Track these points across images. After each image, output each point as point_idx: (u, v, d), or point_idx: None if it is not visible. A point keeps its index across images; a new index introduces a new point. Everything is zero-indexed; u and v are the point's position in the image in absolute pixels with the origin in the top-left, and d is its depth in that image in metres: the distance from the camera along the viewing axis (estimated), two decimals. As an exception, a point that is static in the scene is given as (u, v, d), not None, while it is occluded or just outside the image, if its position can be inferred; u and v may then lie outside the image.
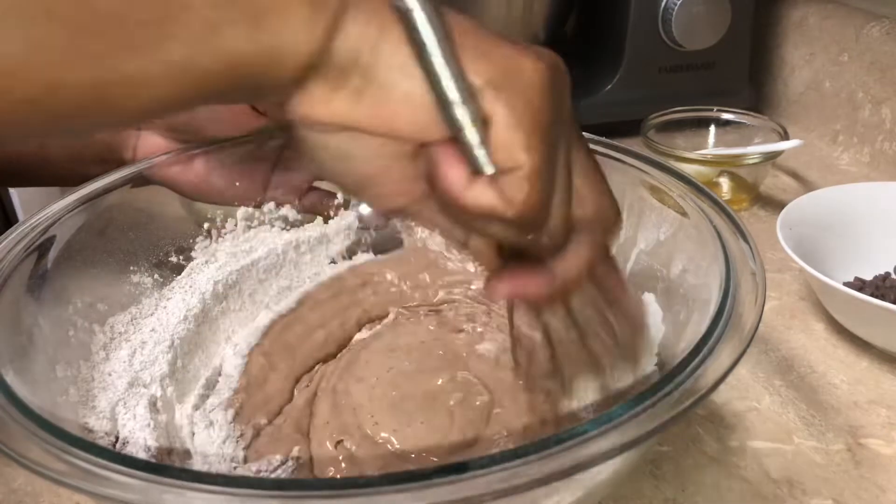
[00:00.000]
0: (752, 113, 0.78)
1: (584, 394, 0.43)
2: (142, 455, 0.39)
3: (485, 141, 0.26)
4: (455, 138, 0.26)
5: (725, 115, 0.79)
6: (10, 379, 0.33)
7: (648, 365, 0.42)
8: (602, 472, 0.33)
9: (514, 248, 0.31)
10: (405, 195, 0.29)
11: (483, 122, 0.26)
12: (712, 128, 0.79)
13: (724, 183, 0.74)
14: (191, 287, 0.50)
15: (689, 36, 0.80)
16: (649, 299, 0.46)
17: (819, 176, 0.79)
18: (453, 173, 0.27)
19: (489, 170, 0.26)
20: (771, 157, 0.71)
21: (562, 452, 0.27)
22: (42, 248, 0.42)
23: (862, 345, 0.54)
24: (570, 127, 0.29)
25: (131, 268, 0.49)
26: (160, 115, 0.26)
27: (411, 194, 0.29)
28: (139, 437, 0.41)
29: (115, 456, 0.27)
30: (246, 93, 0.26)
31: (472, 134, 0.26)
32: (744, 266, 0.38)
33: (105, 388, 0.42)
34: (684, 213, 0.44)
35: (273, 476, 0.39)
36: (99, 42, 0.23)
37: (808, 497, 0.42)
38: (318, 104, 0.26)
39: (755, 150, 0.72)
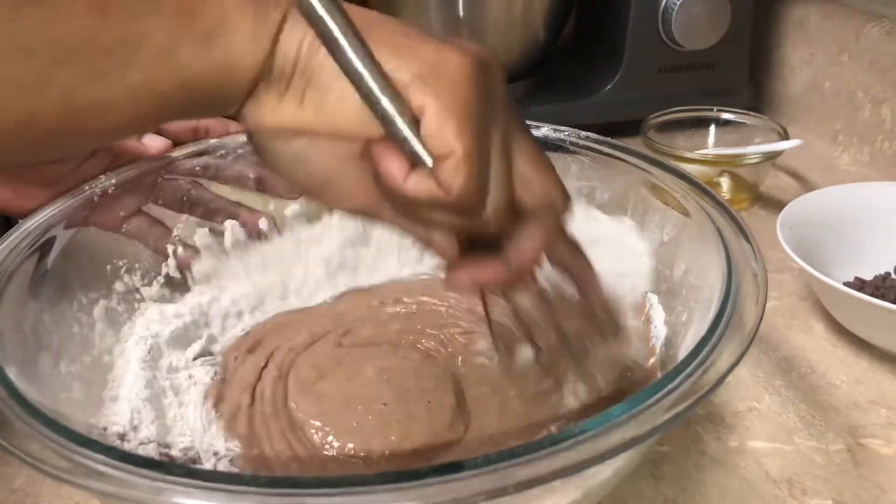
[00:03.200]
0: (752, 113, 0.78)
1: (572, 379, 0.43)
2: (148, 451, 0.39)
3: (417, 133, 0.28)
4: (389, 132, 0.28)
5: (725, 115, 0.79)
6: (14, 376, 0.33)
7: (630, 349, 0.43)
8: (602, 472, 0.33)
9: (472, 241, 0.32)
10: (362, 196, 0.31)
11: (413, 116, 0.28)
12: (712, 128, 0.79)
13: (725, 183, 0.74)
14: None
15: (689, 36, 0.80)
16: (652, 300, 0.47)
17: (819, 176, 0.79)
18: (392, 166, 0.28)
19: (426, 160, 0.28)
20: (771, 157, 0.71)
21: (560, 453, 0.27)
22: (44, 248, 0.42)
23: (862, 345, 0.54)
24: (506, 115, 0.30)
25: (136, 264, 0.49)
26: (126, 135, 0.29)
27: (368, 195, 0.31)
28: (143, 432, 0.41)
29: (118, 453, 0.28)
30: (204, 107, 0.28)
31: (402, 126, 0.27)
32: (745, 266, 0.38)
33: (109, 384, 0.43)
34: (686, 213, 0.44)
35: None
36: (69, 72, 0.25)
37: (808, 497, 0.43)
38: (267, 111, 0.28)
39: (755, 150, 0.72)
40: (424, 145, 0.28)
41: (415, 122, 0.28)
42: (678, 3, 0.78)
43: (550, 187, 0.32)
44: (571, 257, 0.37)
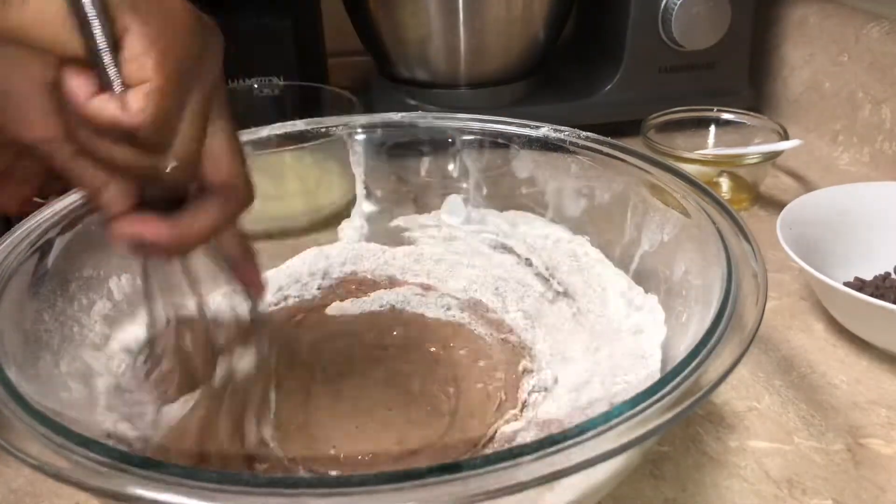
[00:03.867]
0: (752, 113, 0.78)
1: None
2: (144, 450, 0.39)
3: (115, 56, 0.27)
4: (87, 47, 0.27)
5: (725, 115, 0.79)
6: (14, 376, 0.33)
7: None
8: (602, 472, 0.33)
9: (147, 203, 0.32)
10: (42, 128, 0.29)
11: (115, 38, 0.27)
12: (712, 128, 0.79)
13: (724, 183, 0.74)
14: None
15: (689, 36, 0.80)
16: (652, 302, 0.47)
17: (819, 176, 0.79)
18: (78, 82, 0.27)
19: (117, 87, 0.27)
20: (771, 157, 0.71)
21: (559, 453, 0.27)
22: (44, 248, 0.42)
23: (862, 345, 0.54)
24: (212, 89, 0.31)
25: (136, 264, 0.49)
26: None
27: (49, 128, 0.29)
28: (141, 431, 0.41)
29: (118, 453, 0.28)
30: None
31: (102, 42, 0.27)
32: (745, 266, 0.38)
33: (109, 383, 0.43)
34: (687, 214, 0.45)
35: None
36: None
37: (808, 497, 0.43)
38: None
39: (755, 150, 0.72)
40: (120, 69, 0.27)
41: (115, 45, 0.27)
42: (678, 3, 0.78)
43: (238, 174, 0.32)
44: (239, 246, 0.37)
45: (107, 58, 0.27)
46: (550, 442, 0.28)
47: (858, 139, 0.82)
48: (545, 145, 0.53)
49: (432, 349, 0.49)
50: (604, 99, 0.84)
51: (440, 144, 0.57)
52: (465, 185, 0.58)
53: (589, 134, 0.52)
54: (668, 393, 0.30)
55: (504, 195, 0.57)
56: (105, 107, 0.28)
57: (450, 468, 0.26)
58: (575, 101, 0.85)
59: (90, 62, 0.27)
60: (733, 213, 0.42)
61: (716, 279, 0.38)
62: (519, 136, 0.54)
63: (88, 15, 0.26)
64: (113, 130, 0.28)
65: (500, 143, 0.55)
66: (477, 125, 0.56)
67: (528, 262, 0.55)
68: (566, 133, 0.53)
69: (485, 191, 0.58)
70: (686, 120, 0.79)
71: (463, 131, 0.56)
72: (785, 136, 0.73)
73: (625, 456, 0.29)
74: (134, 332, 0.47)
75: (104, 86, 0.27)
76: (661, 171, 0.48)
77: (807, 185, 0.77)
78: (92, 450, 0.28)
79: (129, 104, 0.27)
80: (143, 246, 0.32)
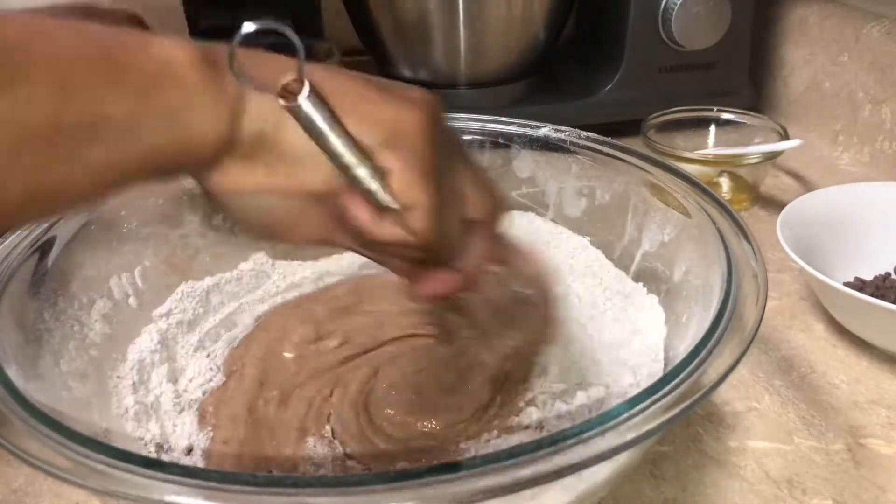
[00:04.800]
0: (752, 113, 0.78)
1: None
2: (147, 450, 0.39)
3: (384, 187, 0.30)
4: (358, 190, 0.30)
5: (725, 115, 0.79)
6: (14, 375, 0.33)
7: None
8: (602, 472, 0.33)
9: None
10: (322, 229, 0.33)
11: (381, 174, 0.30)
12: (712, 128, 0.79)
13: (725, 183, 0.74)
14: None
15: (689, 36, 0.80)
16: (652, 302, 0.47)
17: (819, 176, 0.79)
18: (363, 215, 0.31)
19: (396, 207, 0.31)
20: (771, 157, 0.71)
21: (559, 453, 0.27)
22: (44, 247, 0.42)
23: (862, 345, 0.54)
24: (452, 148, 0.34)
25: (137, 268, 0.49)
26: (87, 205, 0.33)
27: (328, 227, 0.33)
28: (141, 431, 0.41)
29: (118, 453, 0.28)
30: (165, 178, 0.29)
31: (372, 185, 0.30)
32: (746, 267, 0.38)
33: (109, 383, 0.43)
34: (687, 214, 0.45)
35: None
36: (31, 158, 0.25)
37: (808, 497, 0.43)
38: (234, 178, 0.30)
39: (755, 150, 0.72)
40: (393, 197, 0.30)
41: (383, 180, 0.30)
42: (678, 3, 0.78)
43: (492, 200, 0.35)
44: (507, 253, 0.40)
45: (384, 197, 0.30)
46: (550, 442, 0.28)
47: (858, 139, 0.82)
48: (546, 145, 0.53)
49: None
50: (604, 99, 0.84)
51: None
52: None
53: (589, 134, 0.52)
54: (668, 393, 0.30)
55: (504, 195, 0.57)
56: (390, 232, 0.31)
57: (449, 468, 0.26)
58: (575, 101, 0.85)
59: (362, 195, 0.31)
60: (734, 213, 0.42)
61: (716, 279, 0.38)
62: (519, 136, 0.54)
63: (360, 176, 0.30)
64: (401, 246, 0.32)
65: (501, 143, 0.55)
66: (477, 125, 0.56)
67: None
68: (567, 133, 0.53)
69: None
70: (686, 120, 0.79)
71: (463, 131, 0.56)
72: (785, 136, 0.73)
73: (625, 456, 0.29)
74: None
75: (378, 207, 0.31)
76: (662, 171, 0.48)
77: (807, 185, 0.77)
78: (92, 449, 0.28)
79: (413, 228, 0.31)
80: (442, 296, 0.37)
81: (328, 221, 0.33)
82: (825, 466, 0.45)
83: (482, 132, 0.56)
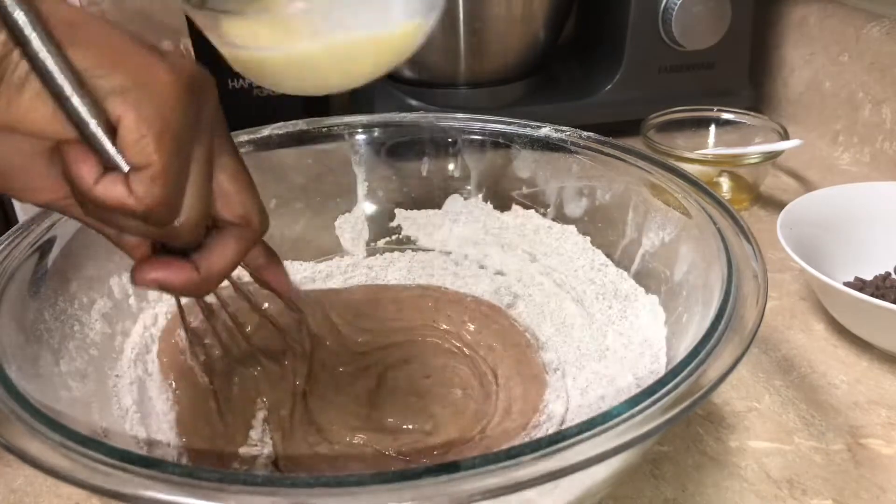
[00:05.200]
0: (752, 113, 0.78)
1: None
2: (142, 450, 0.39)
3: (113, 140, 0.28)
4: (83, 135, 0.27)
5: (725, 115, 0.79)
6: (14, 375, 0.33)
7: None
8: (601, 472, 0.33)
9: (164, 244, 0.33)
10: (50, 191, 0.30)
11: (109, 123, 0.27)
12: (712, 128, 0.79)
13: (725, 183, 0.74)
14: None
15: (689, 36, 0.80)
16: (652, 302, 0.47)
17: (819, 176, 0.79)
18: (83, 168, 0.28)
19: (122, 164, 0.28)
20: (771, 157, 0.71)
21: (558, 453, 0.27)
22: (44, 247, 0.42)
23: (862, 345, 0.54)
24: (212, 133, 0.31)
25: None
26: None
27: (56, 190, 0.30)
28: (137, 430, 0.41)
29: (118, 453, 0.28)
30: None
31: (96, 130, 0.27)
32: (746, 266, 0.38)
33: (109, 383, 0.43)
34: (687, 214, 0.45)
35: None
36: None
37: (808, 497, 0.43)
38: None
39: (755, 150, 0.72)
40: (121, 152, 0.28)
41: (111, 130, 0.28)
42: (678, 3, 0.78)
43: (249, 205, 0.33)
44: (262, 256, 0.38)
45: (108, 148, 0.28)
46: (549, 442, 0.28)
47: (858, 139, 0.82)
48: (546, 145, 0.53)
49: (451, 345, 0.50)
50: (604, 99, 0.84)
51: (441, 144, 0.57)
52: (466, 186, 0.58)
53: (590, 134, 0.52)
54: (668, 393, 0.30)
55: (505, 195, 0.57)
56: (111, 192, 0.28)
57: (448, 468, 0.26)
58: (575, 101, 0.85)
59: (91, 146, 0.28)
60: (734, 213, 0.42)
61: (716, 279, 0.38)
62: (520, 136, 0.54)
63: (81, 115, 0.27)
64: (121, 211, 0.29)
65: (502, 143, 0.55)
66: (478, 125, 0.56)
67: (533, 259, 0.55)
68: (567, 133, 0.53)
69: (485, 191, 0.58)
70: (686, 120, 0.79)
71: (464, 131, 0.56)
72: (785, 136, 0.73)
73: (625, 456, 0.29)
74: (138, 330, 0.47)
75: (108, 165, 0.28)
76: (662, 171, 0.48)
77: (807, 185, 0.77)
78: (92, 449, 0.28)
79: (136, 191, 0.28)
80: (169, 288, 0.33)
81: (53, 181, 0.30)
82: (825, 466, 0.45)
83: (482, 132, 0.56)
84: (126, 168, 0.28)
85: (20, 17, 0.26)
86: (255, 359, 0.45)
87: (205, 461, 0.40)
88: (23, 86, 0.27)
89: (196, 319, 0.46)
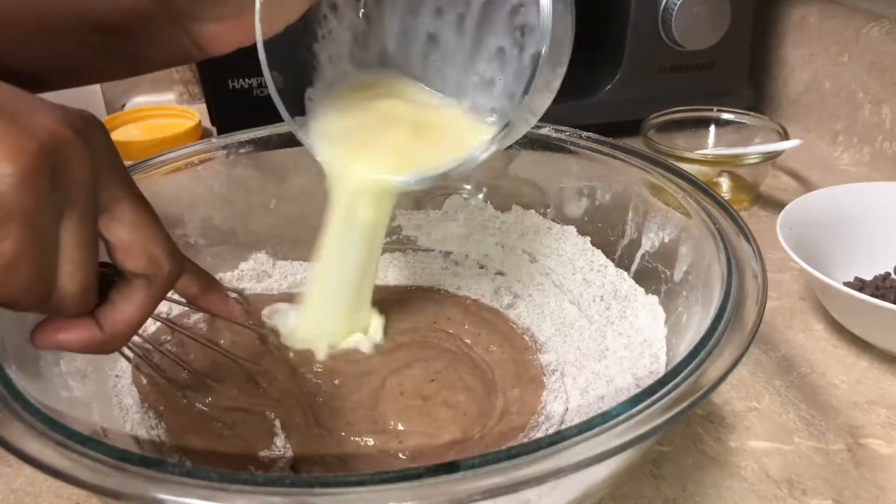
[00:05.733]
0: (752, 113, 0.78)
1: None
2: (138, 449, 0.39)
3: None
4: None
5: (725, 115, 0.79)
6: (14, 375, 0.33)
7: None
8: (601, 472, 0.33)
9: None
10: None
11: None
12: (712, 128, 0.79)
13: (724, 183, 0.74)
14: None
15: (689, 36, 0.80)
16: (652, 302, 0.47)
17: (819, 176, 0.79)
18: None
19: None
20: (771, 157, 0.71)
21: (558, 453, 0.27)
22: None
23: (862, 345, 0.54)
24: (95, 188, 0.28)
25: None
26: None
27: None
28: (137, 430, 0.41)
29: (118, 453, 0.28)
30: None
31: None
32: (746, 266, 0.38)
33: (108, 382, 0.42)
34: (687, 214, 0.45)
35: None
36: None
37: (808, 497, 0.43)
38: None
39: (755, 150, 0.72)
40: None
41: None
42: (678, 3, 0.78)
43: (156, 253, 0.31)
44: (196, 283, 0.37)
45: None
46: (549, 442, 0.28)
47: (858, 139, 0.82)
48: (546, 145, 0.53)
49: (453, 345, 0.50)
50: (604, 99, 0.84)
51: (440, 144, 0.57)
52: (466, 186, 0.58)
53: (590, 134, 0.52)
54: (668, 393, 0.30)
55: (505, 195, 0.57)
56: None
57: (448, 468, 0.26)
58: (575, 101, 0.85)
59: None
60: (734, 213, 0.42)
61: (716, 279, 0.38)
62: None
63: None
64: None
65: (501, 143, 0.55)
66: (477, 125, 0.56)
67: (533, 259, 0.55)
68: (567, 133, 0.53)
69: (486, 191, 0.58)
70: (686, 120, 0.79)
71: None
72: (785, 136, 0.73)
73: (625, 456, 0.29)
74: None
75: None
76: (662, 171, 0.48)
77: (807, 185, 0.77)
78: (92, 449, 0.28)
79: None
80: (71, 349, 0.31)
81: None
82: (825, 466, 0.45)
83: (482, 132, 0.56)
84: None
85: None
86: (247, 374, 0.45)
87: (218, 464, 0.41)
88: None
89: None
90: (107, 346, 0.32)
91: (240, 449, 0.41)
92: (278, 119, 0.40)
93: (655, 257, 0.48)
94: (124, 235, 0.30)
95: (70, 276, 0.28)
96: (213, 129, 0.83)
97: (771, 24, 0.92)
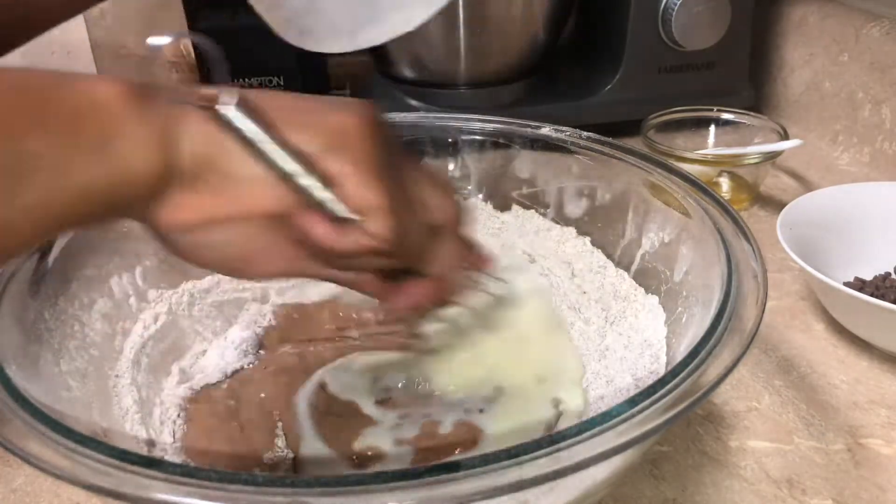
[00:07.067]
0: (752, 113, 0.78)
1: None
2: (146, 450, 0.39)
3: (335, 195, 0.30)
4: (308, 202, 0.30)
5: (725, 115, 0.79)
6: (14, 374, 0.33)
7: None
8: (601, 472, 0.33)
9: (392, 271, 0.35)
10: (283, 260, 0.33)
11: (329, 182, 0.30)
12: (712, 128, 0.79)
13: (724, 183, 0.74)
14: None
15: (689, 36, 0.80)
16: (652, 302, 0.47)
17: (819, 176, 0.79)
18: (320, 229, 0.31)
19: (354, 216, 0.31)
20: (771, 157, 0.71)
21: (558, 453, 0.27)
22: (44, 247, 0.42)
23: (862, 345, 0.54)
24: (398, 156, 0.33)
25: (137, 268, 0.49)
26: (28, 249, 0.33)
27: (288, 258, 0.33)
28: (137, 430, 0.41)
29: (117, 452, 0.28)
30: (107, 215, 0.28)
31: (323, 195, 0.30)
32: (746, 267, 0.38)
33: (109, 382, 0.43)
34: (687, 214, 0.45)
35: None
36: None
37: (808, 497, 0.43)
38: (181, 208, 0.29)
39: (755, 150, 0.72)
40: (347, 205, 0.30)
41: (332, 188, 0.30)
42: (678, 3, 0.78)
43: (449, 204, 0.35)
44: (471, 256, 0.40)
45: (336, 205, 0.30)
46: (549, 442, 0.28)
47: (858, 139, 0.82)
48: (546, 145, 0.53)
49: None
50: (604, 99, 0.84)
51: (441, 144, 0.57)
52: (466, 186, 0.58)
53: (590, 134, 0.52)
54: (668, 393, 0.30)
55: (505, 195, 0.57)
56: (353, 241, 0.31)
57: (449, 467, 0.26)
58: (575, 101, 0.85)
59: (320, 209, 0.30)
60: (734, 213, 0.42)
61: (716, 279, 0.38)
62: (520, 136, 0.54)
63: (306, 185, 0.30)
64: (367, 253, 0.31)
65: (502, 143, 0.55)
66: (478, 125, 0.56)
67: (533, 259, 0.55)
68: (567, 133, 0.53)
69: (486, 191, 0.58)
70: (686, 120, 0.79)
71: (464, 131, 0.56)
72: (785, 136, 0.73)
73: (625, 456, 0.29)
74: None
75: (334, 219, 0.30)
76: (662, 170, 0.48)
77: (807, 185, 0.77)
78: (92, 449, 0.28)
79: (375, 231, 0.31)
80: (420, 307, 0.37)
81: (289, 249, 0.32)
82: (825, 466, 0.45)
83: (482, 132, 0.56)
84: (357, 217, 0.30)
85: (247, 124, 0.28)
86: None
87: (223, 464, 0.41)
88: (240, 175, 0.29)
89: None
90: (444, 294, 0.37)
91: (245, 450, 0.41)
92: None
93: (655, 257, 0.48)
94: (423, 194, 0.34)
95: (413, 222, 0.33)
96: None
97: (771, 24, 0.92)
